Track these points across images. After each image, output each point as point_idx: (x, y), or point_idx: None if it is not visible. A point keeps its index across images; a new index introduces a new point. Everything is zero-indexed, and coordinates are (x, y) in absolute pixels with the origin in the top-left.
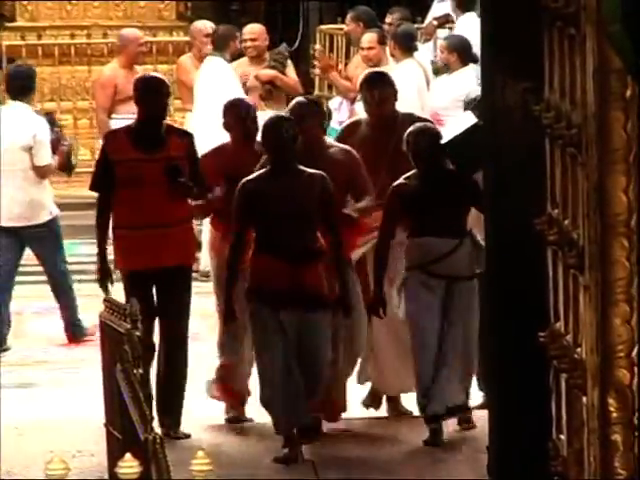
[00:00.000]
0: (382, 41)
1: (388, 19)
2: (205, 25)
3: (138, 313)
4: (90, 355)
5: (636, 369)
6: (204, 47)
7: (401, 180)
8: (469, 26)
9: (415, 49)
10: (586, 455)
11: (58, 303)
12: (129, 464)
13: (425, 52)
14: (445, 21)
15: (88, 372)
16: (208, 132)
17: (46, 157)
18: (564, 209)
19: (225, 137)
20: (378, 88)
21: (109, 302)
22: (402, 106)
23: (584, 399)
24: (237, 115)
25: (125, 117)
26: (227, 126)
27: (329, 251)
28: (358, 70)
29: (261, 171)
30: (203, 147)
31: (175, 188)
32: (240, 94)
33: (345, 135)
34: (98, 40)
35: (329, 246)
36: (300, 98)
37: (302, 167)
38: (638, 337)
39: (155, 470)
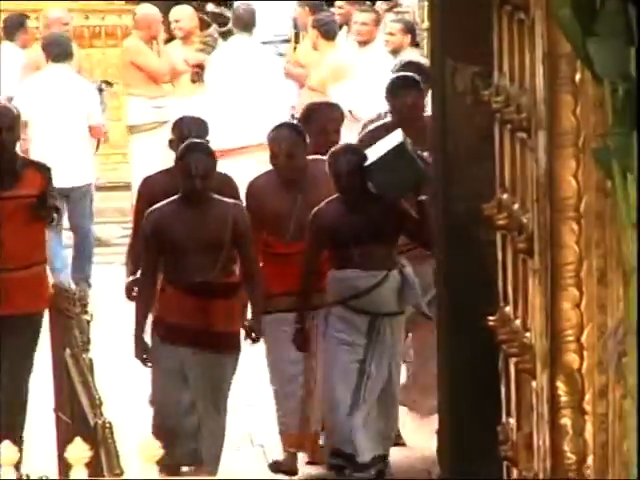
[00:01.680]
0: None
1: (339, 3)
2: (157, 14)
3: (88, 297)
4: (42, 340)
5: (585, 353)
6: (158, 33)
7: (321, 205)
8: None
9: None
10: (535, 439)
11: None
12: (78, 448)
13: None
14: (394, 5)
15: (39, 357)
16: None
17: (100, 117)
18: (513, 193)
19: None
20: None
21: (58, 287)
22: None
23: (533, 383)
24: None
25: None
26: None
27: (244, 284)
28: (309, 56)
29: (170, 199)
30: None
31: (43, 217)
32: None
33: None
34: None
35: (243, 279)
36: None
37: (216, 196)
38: (587, 321)
39: (104, 455)
